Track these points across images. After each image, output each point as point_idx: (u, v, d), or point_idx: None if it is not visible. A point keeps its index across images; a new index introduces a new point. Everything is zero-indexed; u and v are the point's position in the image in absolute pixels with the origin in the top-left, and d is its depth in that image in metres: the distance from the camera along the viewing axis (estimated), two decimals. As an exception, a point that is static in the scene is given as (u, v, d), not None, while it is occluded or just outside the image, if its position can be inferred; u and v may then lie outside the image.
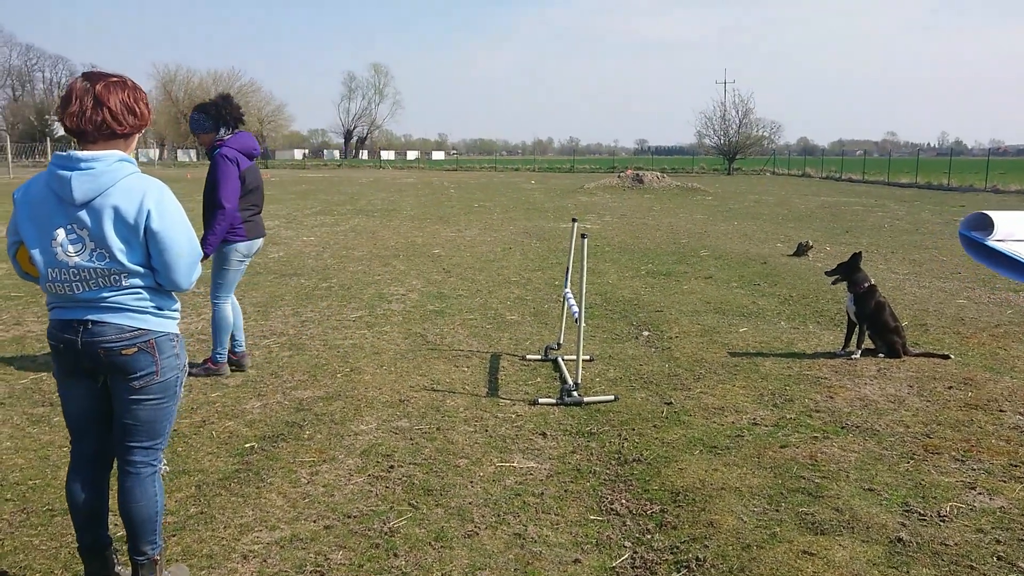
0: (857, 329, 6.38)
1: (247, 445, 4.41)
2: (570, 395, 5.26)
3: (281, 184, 37.26)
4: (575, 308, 5.43)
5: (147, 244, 2.62)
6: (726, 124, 61.40)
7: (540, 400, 5.26)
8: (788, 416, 4.96)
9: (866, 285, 6.38)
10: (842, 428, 4.74)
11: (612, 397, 5.33)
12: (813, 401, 5.25)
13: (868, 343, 6.42)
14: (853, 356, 6.31)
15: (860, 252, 6.68)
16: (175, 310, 2.80)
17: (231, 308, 5.78)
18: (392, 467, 4.15)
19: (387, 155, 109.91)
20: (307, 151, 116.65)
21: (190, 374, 5.54)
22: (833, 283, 6.73)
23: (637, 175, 33.69)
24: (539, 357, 6.36)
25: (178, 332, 2.81)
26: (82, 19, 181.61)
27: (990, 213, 2.60)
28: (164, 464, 2.90)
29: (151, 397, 2.71)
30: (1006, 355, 6.42)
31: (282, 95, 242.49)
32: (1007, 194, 32.38)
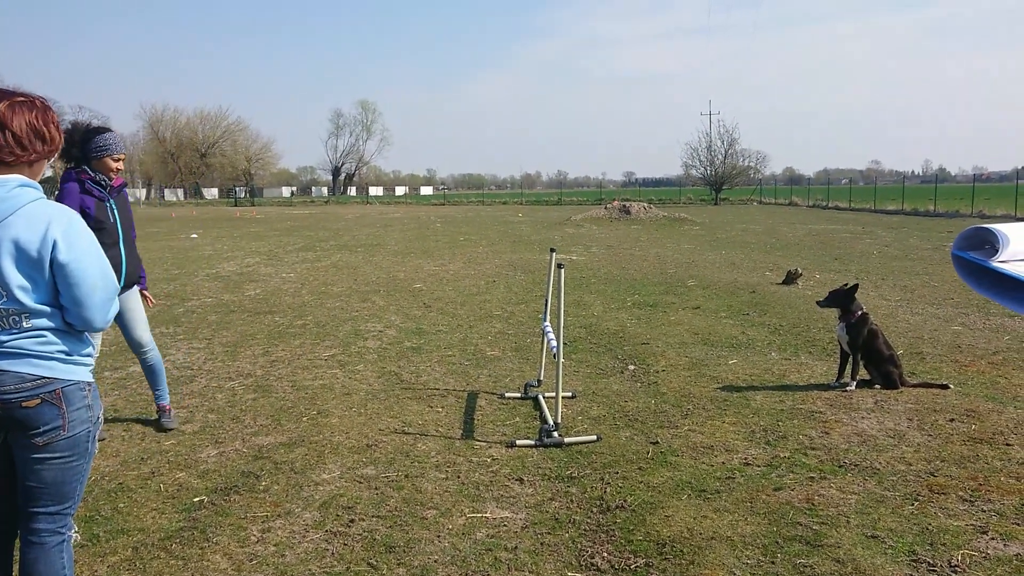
0: (851, 359, 6.09)
1: (196, 499, 4.05)
2: (550, 436, 4.93)
3: (266, 221, 37.02)
4: (554, 343, 5.12)
5: (54, 279, 2.30)
6: (712, 155, 61.77)
7: (518, 442, 4.93)
8: (782, 455, 4.64)
9: (859, 313, 6.10)
10: (840, 467, 4.42)
11: (594, 437, 5.00)
12: (808, 437, 4.93)
13: (864, 374, 6.12)
14: (848, 388, 6.01)
15: (857, 284, 6.40)
16: (87, 355, 2.47)
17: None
18: (353, 521, 3.80)
19: (375, 191, 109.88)
20: (295, 188, 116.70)
21: (167, 429, 5.17)
22: (822, 306, 6.44)
23: (624, 206, 33.57)
24: (519, 395, 6.03)
25: (91, 380, 2.48)
26: (70, 60, 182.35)
27: (992, 227, 2.06)
28: (75, 531, 2.55)
29: (57, 455, 2.37)
30: (1007, 384, 6.13)
31: (270, 133, 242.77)
32: (994, 219, 32.38)
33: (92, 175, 4.76)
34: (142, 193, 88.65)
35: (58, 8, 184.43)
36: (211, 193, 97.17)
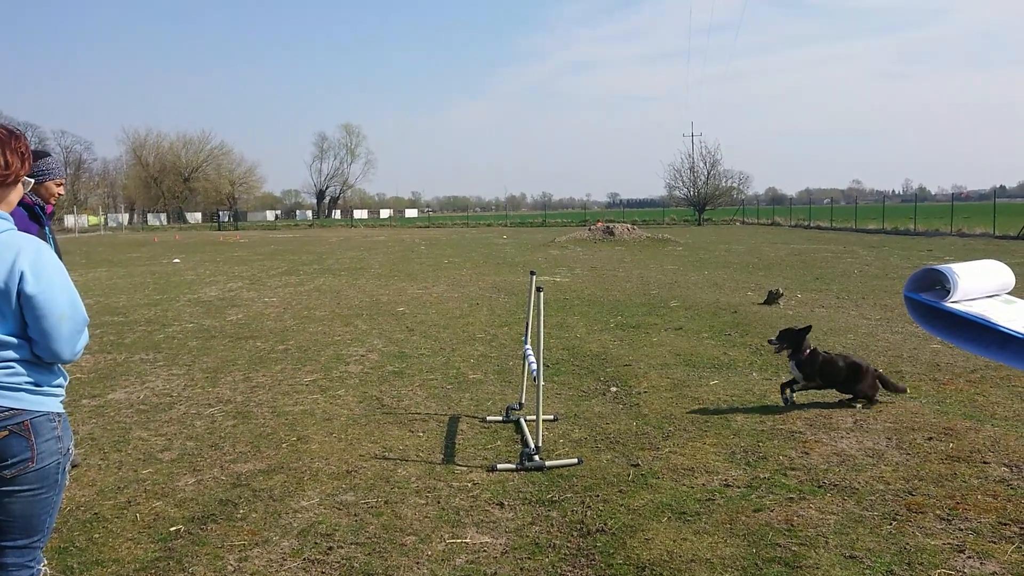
0: (805, 385, 6.20)
1: (172, 528, 4.01)
2: (531, 459, 4.92)
3: (250, 245, 36.90)
4: (534, 366, 5.12)
5: (21, 311, 2.29)
6: (694, 175, 62.24)
7: (499, 466, 4.91)
8: (762, 475, 4.65)
9: (807, 352, 6.18)
10: (819, 487, 4.43)
11: (576, 460, 5.00)
12: (788, 458, 4.95)
13: (838, 394, 6.19)
14: (789, 399, 6.17)
15: (810, 326, 6.47)
16: (58, 385, 2.45)
17: None
18: (331, 548, 3.77)
19: (360, 214, 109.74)
20: (279, 212, 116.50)
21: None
22: (776, 352, 6.52)
23: (608, 227, 33.74)
24: (500, 418, 6.02)
25: (61, 411, 2.46)
26: (51, 85, 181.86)
27: (942, 267, 2.06)
28: (44, 565, 2.52)
29: (25, 488, 2.35)
30: (985, 401, 6.18)
31: (254, 156, 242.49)
32: (972, 237, 32.80)
33: (32, 200, 4.66)
34: (124, 218, 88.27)
35: (38, 33, 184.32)
36: (194, 217, 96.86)
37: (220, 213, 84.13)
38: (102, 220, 78.22)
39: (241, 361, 8.34)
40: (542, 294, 5.12)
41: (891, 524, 3.92)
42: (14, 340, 2.30)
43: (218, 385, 7.24)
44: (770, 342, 6.53)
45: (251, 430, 5.76)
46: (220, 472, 4.86)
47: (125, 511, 4.27)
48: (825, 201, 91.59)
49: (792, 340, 6.31)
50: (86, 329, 2.44)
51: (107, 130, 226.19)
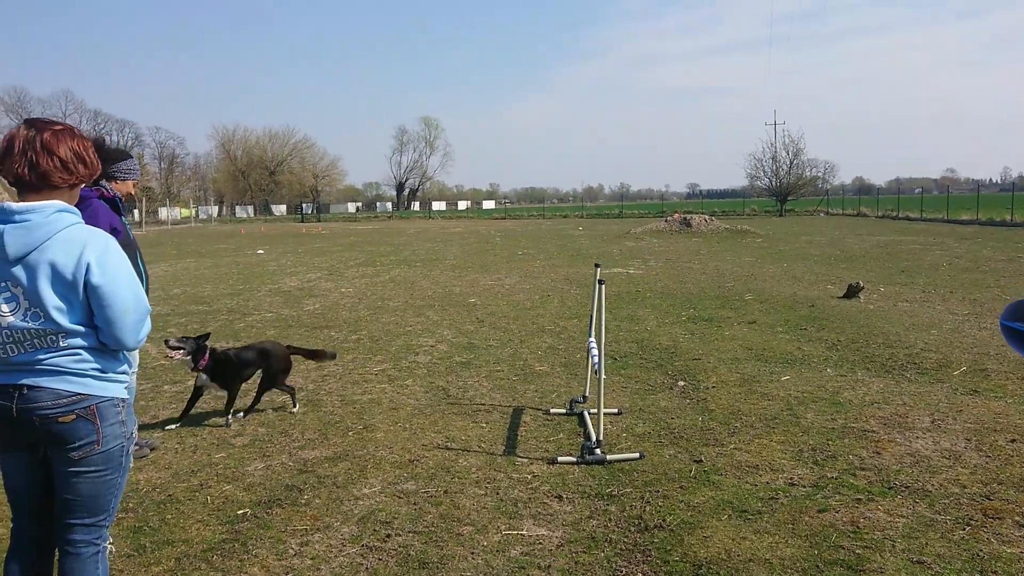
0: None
1: (240, 512, 4.15)
2: (592, 453, 4.90)
3: (331, 237, 37.77)
4: (596, 359, 5.09)
5: (88, 301, 2.40)
6: (776, 165, 60.64)
7: (559, 458, 4.91)
8: (829, 475, 4.51)
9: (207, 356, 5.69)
10: (889, 488, 4.28)
11: (637, 455, 4.95)
12: (858, 457, 4.79)
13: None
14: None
15: (209, 333, 6.11)
16: (122, 372, 2.56)
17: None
18: (389, 536, 3.84)
19: (439, 206, 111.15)
20: (360, 204, 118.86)
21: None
22: (181, 357, 5.63)
23: (685, 219, 33.21)
24: (564, 411, 6.01)
25: (125, 397, 2.57)
26: (145, 84, 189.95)
27: None
28: (110, 542, 2.64)
29: (92, 469, 2.47)
30: (1077, 403, 5.85)
31: (336, 150, 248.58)
32: (1076, 228, 30.97)
33: (113, 193, 4.94)
34: (214, 210, 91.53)
35: (136, 36, 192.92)
36: (279, 209, 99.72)
37: (303, 205, 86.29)
38: (193, 213, 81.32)
39: (315, 350, 8.54)
40: (603, 287, 5.09)
41: (964, 530, 3.75)
42: (81, 329, 2.41)
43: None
44: (168, 344, 5.60)
45: (320, 418, 5.91)
46: (288, 458, 5.01)
47: (197, 493, 4.44)
48: (916, 191, 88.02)
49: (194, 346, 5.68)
50: (148, 318, 2.54)
51: (199, 126, 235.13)
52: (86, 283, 2.38)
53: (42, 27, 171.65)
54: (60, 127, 2.48)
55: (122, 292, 2.42)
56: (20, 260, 2.35)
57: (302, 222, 69.64)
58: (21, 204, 2.38)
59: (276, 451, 5.16)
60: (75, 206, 4.53)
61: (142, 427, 5.52)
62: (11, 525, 2.63)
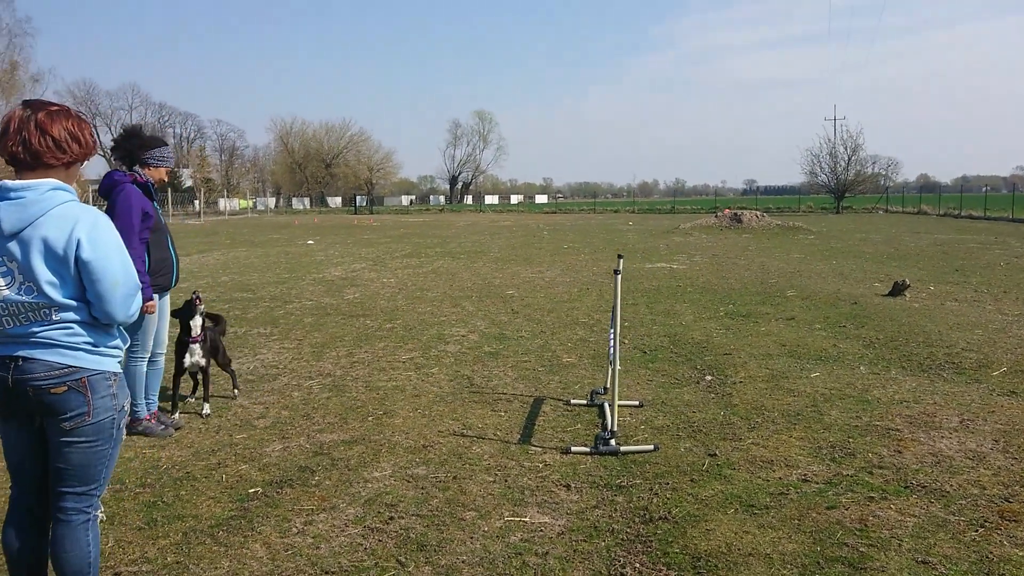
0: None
1: (251, 490, 4.25)
2: (606, 444, 4.88)
3: (381, 229, 38.20)
4: (611, 350, 5.07)
5: (79, 275, 2.49)
6: (834, 161, 59.26)
7: (573, 448, 4.90)
8: (845, 472, 4.42)
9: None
10: (905, 487, 4.17)
11: (652, 447, 4.92)
12: (877, 456, 4.68)
13: None
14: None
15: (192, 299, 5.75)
16: (115, 347, 2.65)
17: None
18: (392, 518, 3.88)
19: (491, 199, 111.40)
20: (414, 197, 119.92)
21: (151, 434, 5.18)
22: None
23: (736, 215, 32.70)
24: (584, 402, 6.00)
25: (116, 370, 2.65)
26: (208, 78, 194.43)
27: None
28: (101, 511, 2.73)
29: (82, 440, 2.56)
30: (1120, 407, 5.61)
31: (391, 143, 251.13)
32: None
33: (145, 179, 5.09)
34: (271, 202, 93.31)
35: (198, 31, 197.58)
36: (335, 202, 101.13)
37: (357, 197, 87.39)
38: (251, 204, 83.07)
39: (348, 338, 8.68)
40: (619, 277, 5.06)
41: (977, 531, 3.64)
42: (73, 303, 2.50)
43: (322, 359, 7.58)
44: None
45: (342, 403, 6.00)
46: (306, 440, 5.10)
47: (214, 472, 4.55)
48: (983, 189, 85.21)
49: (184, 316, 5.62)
50: (139, 294, 2.62)
51: (258, 119, 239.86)
52: (77, 258, 2.46)
53: (110, 21, 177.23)
54: (56, 107, 2.57)
55: (112, 267, 2.50)
56: (15, 235, 2.44)
57: (355, 214, 70.54)
58: (17, 182, 2.48)
59: (295, 433, 5.26)
60: (109, 189, 4.67)
61: (163, 408, 5.67)
62: (10, 493, 2.74)
